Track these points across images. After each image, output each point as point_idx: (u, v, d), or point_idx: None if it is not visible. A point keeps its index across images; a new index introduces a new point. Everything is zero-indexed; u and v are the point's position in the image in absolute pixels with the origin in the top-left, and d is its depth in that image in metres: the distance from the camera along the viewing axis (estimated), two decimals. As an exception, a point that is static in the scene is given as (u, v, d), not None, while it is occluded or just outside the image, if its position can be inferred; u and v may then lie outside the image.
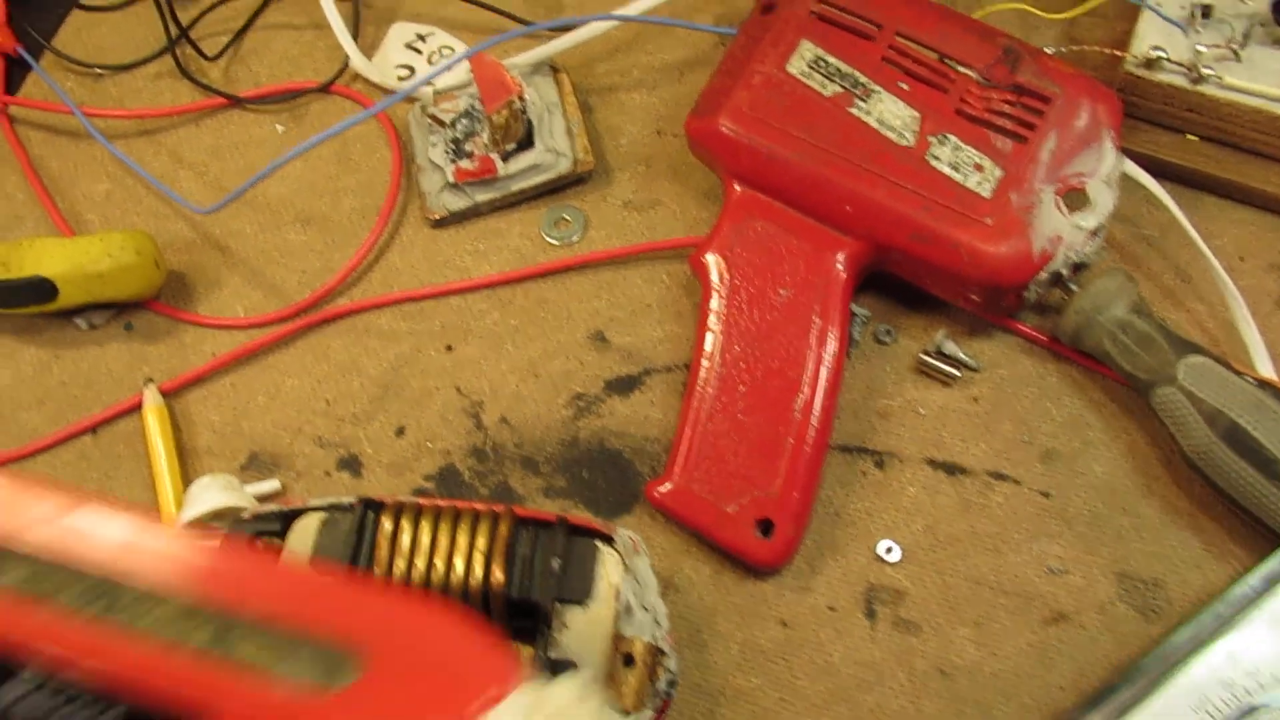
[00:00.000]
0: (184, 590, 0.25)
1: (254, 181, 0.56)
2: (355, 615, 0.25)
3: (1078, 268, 0.49)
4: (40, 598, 0.24)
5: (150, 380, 0.55)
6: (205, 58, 0.65)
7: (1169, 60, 0.51)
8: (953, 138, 0.49)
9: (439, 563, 0.43)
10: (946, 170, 0.48)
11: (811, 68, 0.51)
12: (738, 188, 0.52)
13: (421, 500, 0.45)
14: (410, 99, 0.61)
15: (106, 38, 0.67)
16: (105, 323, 0.58)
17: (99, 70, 0.66)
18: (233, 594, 0.25)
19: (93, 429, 0.56)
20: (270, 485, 0.53)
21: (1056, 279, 0.49)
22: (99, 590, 0.24)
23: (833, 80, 0.50)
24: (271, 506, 0.48)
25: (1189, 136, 0.53)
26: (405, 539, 0.44)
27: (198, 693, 0.23)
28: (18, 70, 0.67)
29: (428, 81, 0.57)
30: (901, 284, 0.53)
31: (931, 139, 0.49)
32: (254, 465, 0.54)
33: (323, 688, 0.24)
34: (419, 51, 0.63)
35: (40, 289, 0.55)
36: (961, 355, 0.52)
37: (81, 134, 0.64)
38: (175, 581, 0.25)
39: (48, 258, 0.55)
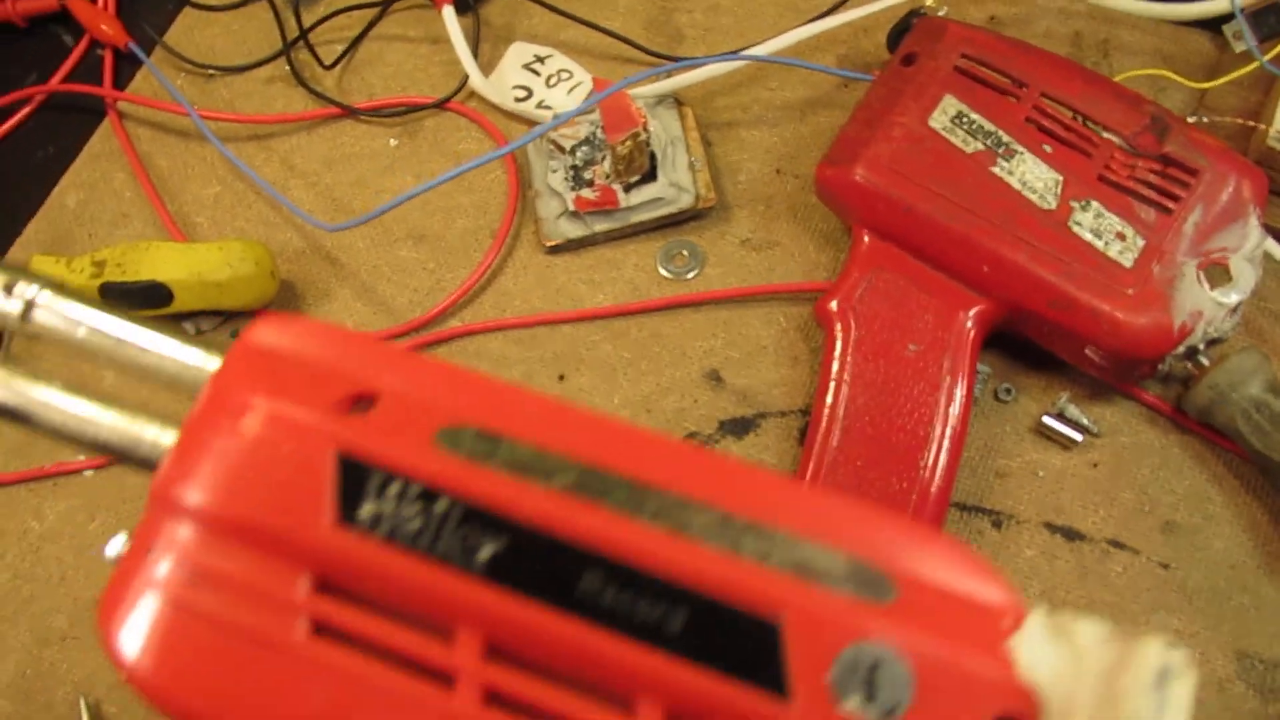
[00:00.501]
0: (716, 501, 0.26)
1: (388, 208, 0.56)
2: (874, 536, 0.26)
3: (1213, 342, 0.49)
4: (593, 500, 0.25)
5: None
6: (322, 65, 0.64)
7: (1313, 137, 0.51)
8: (1095, 204, 0.49)
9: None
10: (1088, 237, 0.48)
11: (954, 123, 0.50)
12: (868, 238, 0.52)
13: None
14: (530, 122, 0.61)
15: (218, 38, 0.67)
16: (213, 329, 0.58)
17: (211, 70, 0.66)
18: (761, 507, 0.26)
19: (198, 436, 0.56)
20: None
21: (1191, 353, 0.49)
22: (641, 496, 0.25)
23: (975, 137, 0.50)
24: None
25: (1324, 213, 0.53)
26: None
27: (761, 593, 0.24)
28: (126, 65, 0.67)
29: (569, 120, 0.57)
30: (1023, 342, 0.52)
31: (1074, 204, 0.49)
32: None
33: (871, 601, 0.25)
34: (537, 73, 0.63)
35: (156, 294, 0.55)
36: (1083, 419, 0.51)
37: (191, 134, 0.64)
38: (705, 493, 0.26)
39: (165, 263, 0.55)
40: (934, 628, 0.24)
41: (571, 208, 0.57)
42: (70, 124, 0.65)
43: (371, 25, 0.66)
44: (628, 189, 0.57)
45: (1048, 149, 0.50)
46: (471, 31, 0.64)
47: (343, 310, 0.58)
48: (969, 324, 0.50)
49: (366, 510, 0.25)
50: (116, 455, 0.29)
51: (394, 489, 0.25)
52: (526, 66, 0.63)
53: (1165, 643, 0.24)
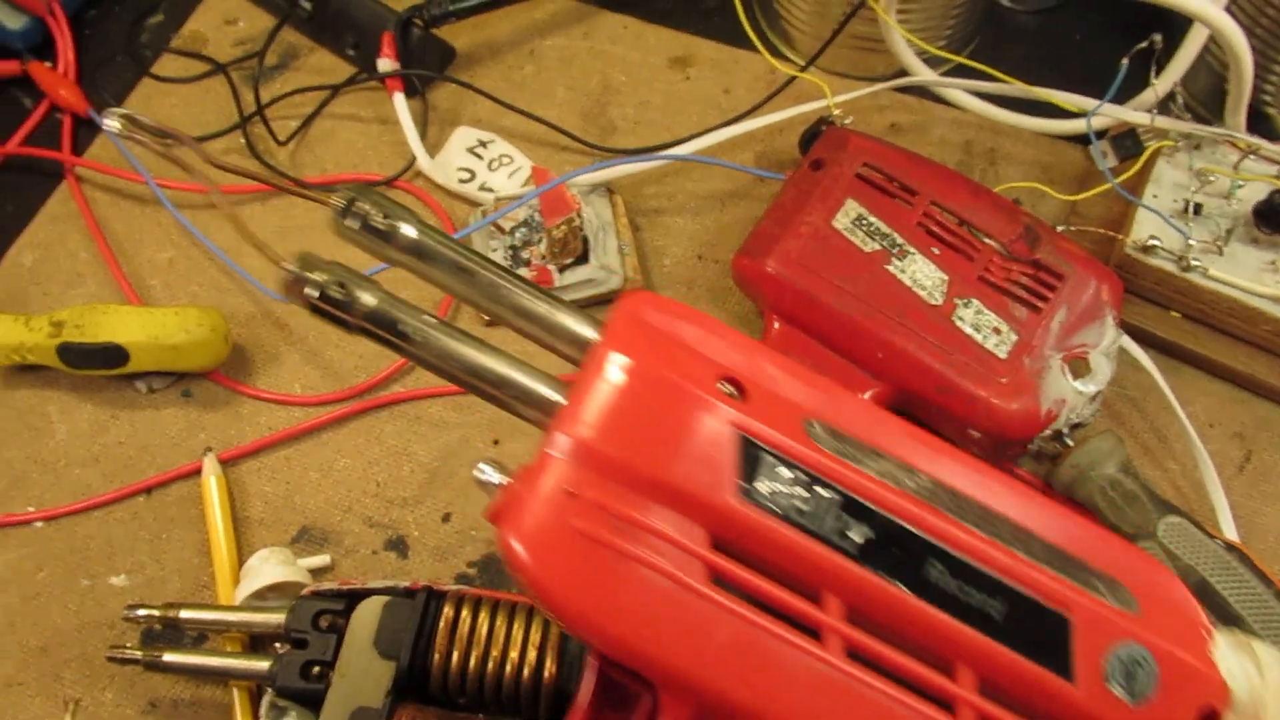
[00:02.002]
0: (1016, 518, 0.33)
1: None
2: (1116, 555, 0.33)
3: (1076, 426, 0.55)
4: (933, 503, 0.32)
5: (210, 449, 0.59)
6: (277, 141, 0.68)
7: (1163, 248, 0.58)
8: (976, 301, 0.55)
9: (495, 652, 0.47)
10: (969, 330, 0.55)
11: (855, 225, 0.57)
12: (778, 324, 0.58)
13: (480, 591, 0.49)
14: (472, 203, 0.66)
15: (175, 109, 0.71)
16: (165, 388, 0.61)
17: (168, 140, 0.69)
18: (1046, 525, 0.33)
19: (147, 490, 0.59)
20: (321, 560, 0.56)
21: (1057, 435, 0.55)
22: (963, 505, 0.32)
23: (873, 238, 0.56)
24: (330, 584, 0.51)
25: (1173, 313, 0.60)
26: (464, 628, 0.47)
27: (1059, 594, 0.31)
28: (85, 130, 0.70)
29: (508, 212, 0.62)
30: (913, 421, 0.58)
31: (957, 301, 0.55)
32: (304, 539, 0.57)
33: (1125, 608, 0.32)
34: (480, 157, 0.68)
35: (112, 355, 0.58)
36: (965, 491, 0.58)
37: (148, 200, 0.67)
38: (1007, 509, 0.33)
39: (123, 326, 0.58)
40: (1169, 636, 0.31)
41: (509, 285, 0.62)
42: (28, 185, 0.68)
43: (324, 104, 0.70)
44: (562, 270, 0.62)
45: (936, 251, 0.56)
46: (420, 114, 0.69)
47: (291, 374, 0.62)
48: (865, 404, 0.56)
49: (763, 486, 0.30)
50: (510, 394, 0.32)
51: (785, 474, 0.31)
52: (470, 150, 0.68)
53: None
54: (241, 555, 0.56)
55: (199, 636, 0.54)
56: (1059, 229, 0.59)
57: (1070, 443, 0.56)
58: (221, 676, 0.52)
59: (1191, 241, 0.58)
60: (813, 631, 0.30)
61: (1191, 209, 0.59)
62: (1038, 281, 0.55)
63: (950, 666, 0.31)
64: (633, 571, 0.29)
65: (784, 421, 0.31)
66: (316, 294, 0.32)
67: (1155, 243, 0.58)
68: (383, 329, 0.33)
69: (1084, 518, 0.34)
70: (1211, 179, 0.59)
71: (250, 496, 0.58)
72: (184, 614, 0.52)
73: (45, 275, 0.65)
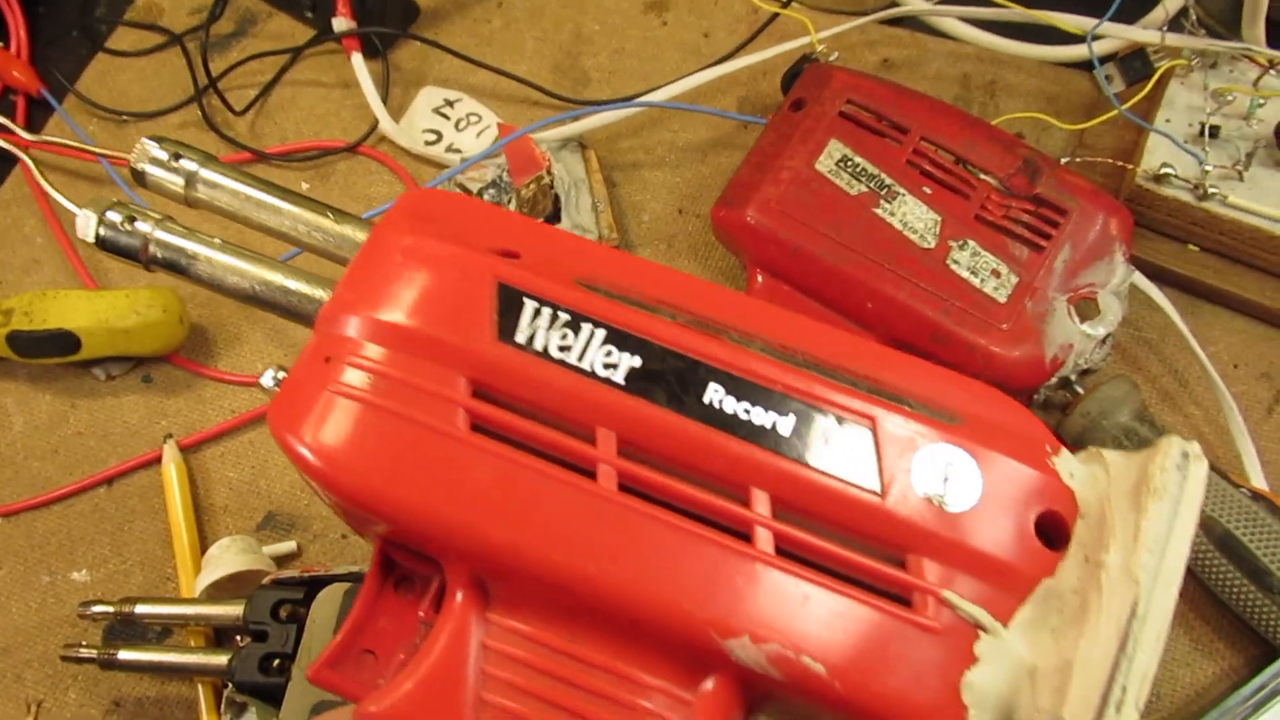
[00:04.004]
0: (811, 349, 0.31)
1: (297, 252, 0.56)
2: (940, 381, 0.31)
3: (1085, 373, 0.51)
4: (712, 333, 0.30)
5: (170, 436, 0.56)
6: (232, 111, 0.65)
7: (1177, 176, 0.53)
8: (972, 243, 0.51)
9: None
10: (965, 274, 0.51)
11: (839, 166, 0.53)
12: (761, 278, 0.54)
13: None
14: (439, 166, 0.62)
15: (131, 84, 0.68)
16: (124, 374, 0.59)
17: (124, 116, 0.66)
18: (848, 356, 0.31)
19: (108, 481, 0.56)
20: (287, 546, 0.54)
21: (1065, 383, 0.51)
22: (749, 338, 0.31)
23: (859, 180, 0.52)
24: (292, 572, 0.49)
25: (1190, 247, 0.56)
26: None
27: (855, 406, 0.29)
28: (39, 111, 0.68)
29: (467, 166, 0.58)
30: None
31: (952, 243, 0.51)
32: (270, 525, 0.55)
33: (944, 420, 0.30)
34: (446, 117, 0.64)
35: (63, 341, 0.55)
36: (969, 448, 0.54)
37: (103, 179, 0.65)
38: (800, 342, 0.31)
39: (73, 311, 0.55)
40: (995, 443, 0.29)
41: (478, 249, 0.58)
42: (-19, 170, 0.66)
43: (283, 71, 0.67)
44: (532, 231, 0.58)
45: (927, 191, 0.52)
46: (382, 76, 0.66)
47: (253, 353, 0.59)
48: (857, 359, 0.52)
49: (522, 331, 0.29)
50: (287, 301, 0.33)
51: (545, 315, 0.30)
52: (436, 111, 0.65)
53: (1182, 438, 0.28)
54: (205, 544, 0.53)
55: (163, 631, 0.52)
56: (1064, 161, 0.55)
57: (1080, 390, 0.51)
58: (182, 673, 0.50)
59: (1208, 168, 0.53)
60: (589, 471, 0.29)
61: (1207, 133, 0.54)
62: (1039, 218, 0.51)
63: (745, 492, 0.29)
64: (391, 426, 0.29)
65: (551, 275, 0.30)
66: (97, 233, 0.33)
67: (1169, 171, 0.53)
68: (167, 256, 0.34)
69: (912, 356, 0.32)
70: (1229, 99, 0.55)
71: (214, 483, 0.56)
72: (140, 609, 0.49)
73: (0, 262, 0.63)
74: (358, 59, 0.64)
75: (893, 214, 0.52)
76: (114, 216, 0.33)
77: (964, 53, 0.65)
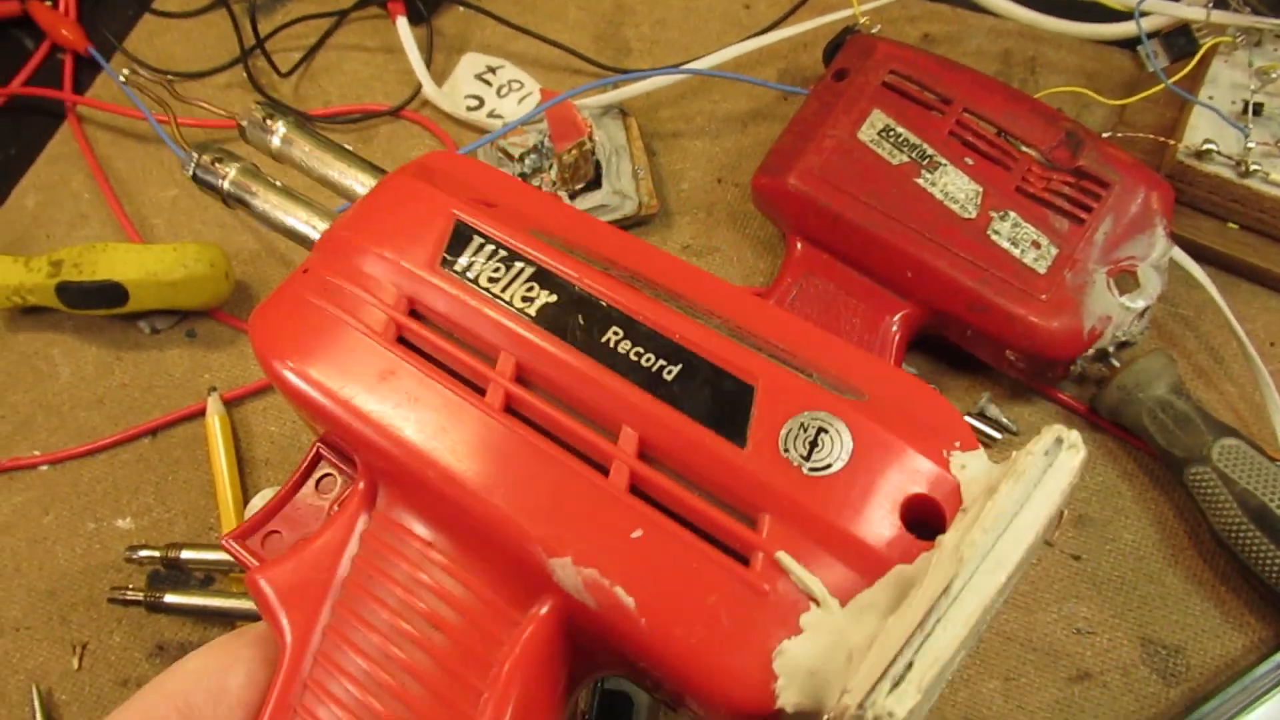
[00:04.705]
0: (733, 315, 0.32)
1: (341, 209, 0.57)
2: (853, 361, 0.31)
3: (1123, 345, 0.51)
4: (634, 286, 0.32)
5: (214, 389, 0.57)
6: (278, 73, 0.66)
7: (1219, 153, 0.53)
8: (1013, 214, 0.51)
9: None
10: (1005, 245, 0.51)
11: (881, 136, 0.53)
12: (800, 245, 0.54)
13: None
14: (481, 130, 0.63)
15: (176, 44, 0.69)
16: (168, 328, 0.60)
17: (170, 76, 0.67)
18: (768, 327, 0.31)
19: (152, 432, 0.57)
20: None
21: (1102, 355, 0.51)
22: (673, 297, 0.32)
23: (901, 150, 0.53)
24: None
25: (1230, 224, 0.56)
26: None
27: (743, 362, 0.30)
28: (86, 70, 0.68)
29: (509, 130, 0.59)
30: (946, 345, 0.55)
31: (993, 213, 0.51)
32: (311, 479, 0.55)
33: (836, 391, 0.29)
34: (489, 83, 0.65)
35: (112, 293, 0.56)
36: (1003, 419, 0.54)
37: (150, 138, 0.65)
38: (726, 309, 0.32)
39: (121, 263, 0.56)
40: (886, 422, 0.28)
41: (519, 213, 0.59)
42: (30, 127, 0.67)
43: (328, 34, 0.67)
44: (573, 196, 0.59)
45: (969, 162, 0.52)
46: (425, 42, 0.66)
47: (296, 310, 0.60)
48: (894, 327, 0.52)
49: (462, 260, 0.33)
50: (309, 241, 0.38)
51: (487, 250, 0.33)
52: (479, 76, 0.65)
53: (1068, 428, 0.27)
54: (246, 495, 0.54)
55: (206, 578, 0.53)
56: (1104, 137, 0.55)
57: (1117, 364, 0.52)
58: (225, 618, 0.51)
59: (1251, 144, 0.53)
60: (482, 390, 0.31)
61: (1251, 110, 0.54)
62: (1080, 191, 0.51)
63: (616, 430, 0.30)
64: (328, 323, 0.32)
65: (510, 223, 0.33)
66: (194, 171, 0.40)
67: (1211, 147, 0.54)
68: (237, 192, 0.40)
69: (844, 342, 0.31)
70: (1274, 76, 0.55)
71: (256, 437, 0.57)
72: (185, 554, 0.51)
73: (48, 217, 0.64)
74: (402, 23, 0.65)
75: (934, 184, 0.52)
76: (206, 159, 0.40)
77: (1005, 29, 0.65)
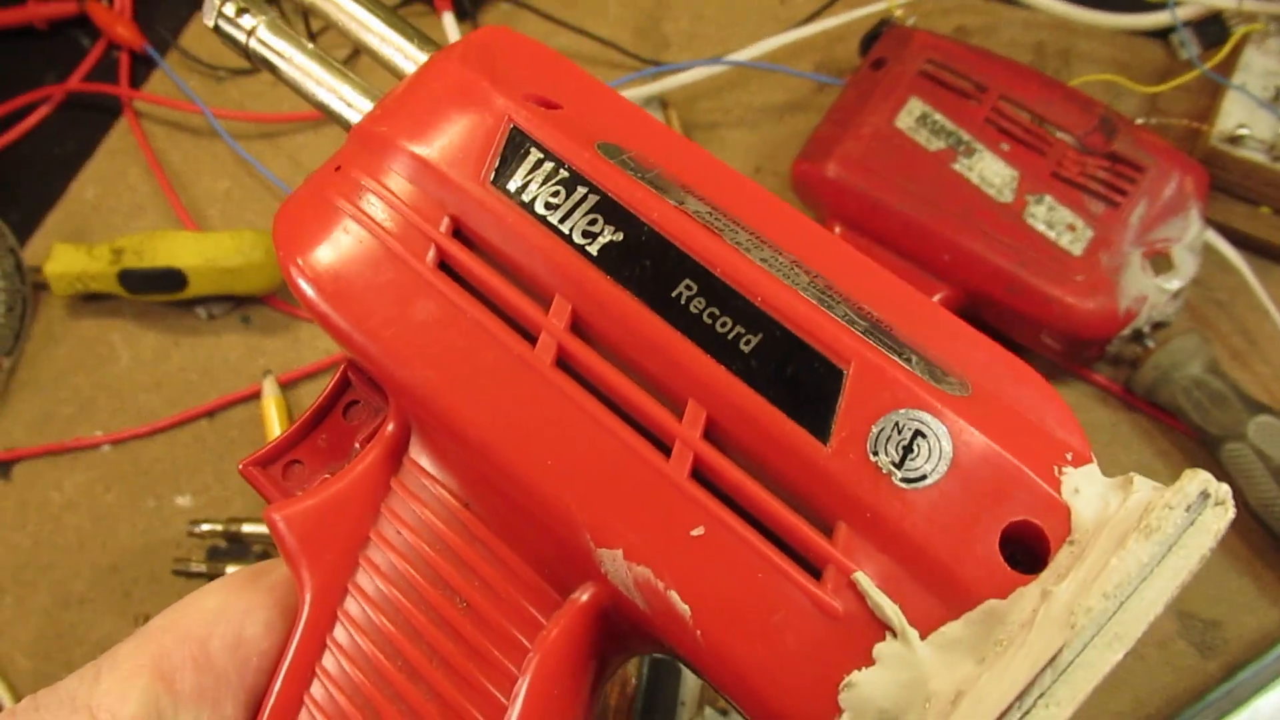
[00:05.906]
0: (830, 275, 0.27)
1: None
2: (965, 348, 0.26)
3: (1158, 326, 0.53)
4: (713, 229, 0.27)
5: (269, 371, 0.59)
6: (327, 68, 0.68)
7: (1252, 138, 0.54)
8: (1049, 198, 0.52)
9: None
10: (1041, 228, 0.52)
11: (918, 123, 0.54)
12: (839, 230, 0.55)
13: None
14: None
15: (229, 41, 0.71)
16: (224, 314, 0.62)
17: (222, 72, 0.69)
18: (871, 297, 0.27)
19: (209, 414, 0.59)
20: (380, 479, 0.56)
21: (1137, 335, 0.52)
22: (759, 245, 0.27)
23: (938, 136, 0.54)
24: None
25: (1263, 209, 0.57)
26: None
27: (835, 340, 0.25)
28: (141, 66, 0.71)
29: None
30: (983, 327, 0.56)
31: (1029, 198, 0.52)
32: (363, 459, 0.57)
33: (937, 386, 0.25)
34: (531, 76, 0.67)
35: (172, 279, 0.58)
36: (1039, 400, 0.55)
37: (204, 132, 0.68)
38: (824, 268, 0.27)
39: (181, 250, 0.58)
40: (992, 428, 0.24)
41: (563, 201, 0.60)
42: (88, 122, 0.69)
43: (375, 30, 0.69)
44: (616, 184, 0.60)
45: (1005, 147, 0.54)
46: (470, 37, 0.68)
47: (347, 297, 0.62)
48: (932, 309, 0.54)
49: (516, 179, 0.28)
50: (340, 118, 0.32)
51: (546, 168, 0.28)
52: (521, 70, 0.67)
53: (1211, 476, 0.23)
54: (302, 474, 0.56)
55: (263, 553, 0.55)
56: (1138, 121, 0.56)
57: (1151, 344, 0.53)
58: (284, 590, 0.52)
59: (1283, 129, 0.54)
60: (533, 337, 0.27)
61: (1283, 95, 0.55)
62: (1115, 174, 0.52)
63: (681, 404, 0.25)
64: (359, 241, 0.28)
65: (575, 133, 0.28)
66: (215, 21, 0.33)
67: (1244, 132, 0.55)
68: (262, 52, 0.33)
69: (956, 318, 0.27)
70: (1305, 63, 0.56)
71: (310, 418, 0.58)
72: (246, 528, 0.52)
73: (107, 208, 0.66)
74: (448, 18, 0.67)
75: (970, 169, 0.53)
76: (229, 10, 0.33)
77: (1038, 21, 0.66)
